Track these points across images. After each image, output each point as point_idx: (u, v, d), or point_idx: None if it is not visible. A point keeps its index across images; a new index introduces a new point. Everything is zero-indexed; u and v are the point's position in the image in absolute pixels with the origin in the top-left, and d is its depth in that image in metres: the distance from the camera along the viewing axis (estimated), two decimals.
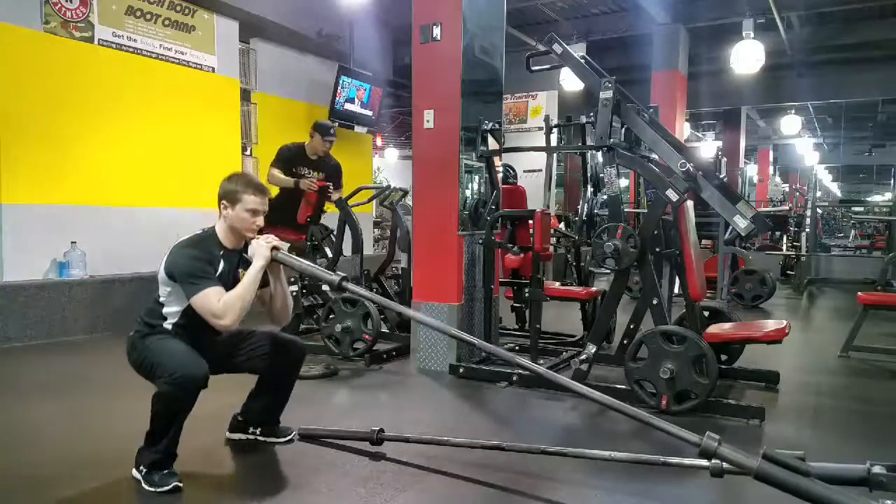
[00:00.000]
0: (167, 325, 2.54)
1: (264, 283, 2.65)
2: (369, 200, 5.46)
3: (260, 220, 2.61)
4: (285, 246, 2.67)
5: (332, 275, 2.67)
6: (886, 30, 9.09)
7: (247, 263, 2.59)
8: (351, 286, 2.66)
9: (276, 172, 4.98)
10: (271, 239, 2.61)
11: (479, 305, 4.47)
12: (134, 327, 2.58)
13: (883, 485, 1.84)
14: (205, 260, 2.50)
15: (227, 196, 2.57)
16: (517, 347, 4.80)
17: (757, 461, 1.87)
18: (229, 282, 2.54)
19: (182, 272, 2.45)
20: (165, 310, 2.54)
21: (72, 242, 5.42)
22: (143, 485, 2.37)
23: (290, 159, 5.02)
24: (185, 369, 2.33)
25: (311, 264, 2.80)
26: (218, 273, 2.53)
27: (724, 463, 2.06)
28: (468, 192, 4.49)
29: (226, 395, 2.86)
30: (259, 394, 2.85)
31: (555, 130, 6.21)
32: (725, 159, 9.78)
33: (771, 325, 3.73)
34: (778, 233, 11.24)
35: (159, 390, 2.34)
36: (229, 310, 2.42)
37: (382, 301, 2.96)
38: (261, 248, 2.56)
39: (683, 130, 10.30)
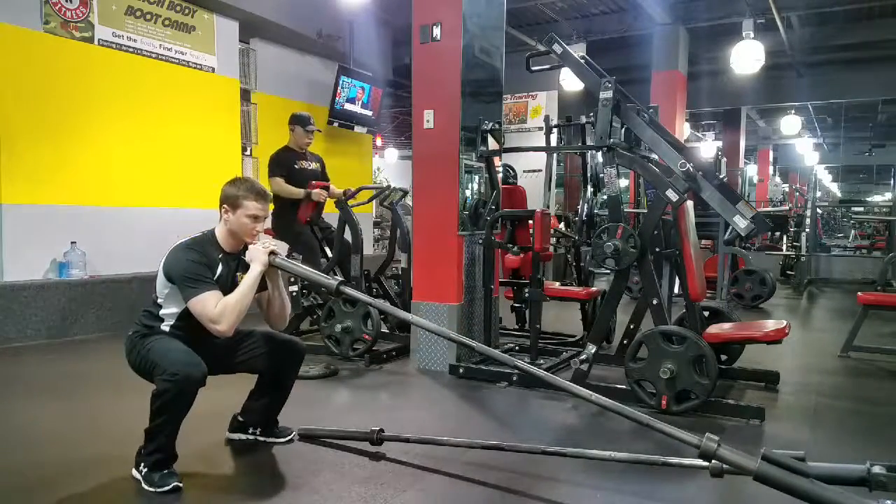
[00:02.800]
0: (164, 326, 2.54)
1: (262, 287, 2.65)
2: (369, 200, 5.46)
3: (260, 226, 2.61)
4: (284, 250, 2.67)
5: (329, 279, 2.66)
6: (886, 30, 9.10)
7: (246, 267, 2.59)
8: (349, 290, 2.65)
9: (281, 182, 4.88)
10: (269, 243, 2.61)
11: (479, 305, 4.47)
12: (132, 328, 2.58)
13: (883, 485, 1.84)
14: (203, 263, 2.50)
15: (229, 200, 2.56)
16: (517, 347, 4.80)
17: (756, 462, 1.87)
18: (227, 286, 2.54)
19: (180, 274, 2.45)
20: (163, 311, 2.54)
21: (72, 242, 5.42)
22: (143, 485, 2.37)
23: (285, 162, 4.96)
24: (183, 368, 2.33)
25: (309, 269, 2.80)
26: (216, 276, 2.53)
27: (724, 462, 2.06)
28: (468, 192, 4.49)
29: (226, 395, 2.86)
30: (258, 394, 2.85)
31: (555, 130, 6.22)
32: (725, 159, 9.78)
33: (771, 325, 3.73)
34: (778, 233, 11.24)
35: (157, 389, 2.34)
36: (226, 315, 2.42)
37: (380, 305, 2.96)
38: (258, 253, 2.56)
39: (683, 130, 10.30)
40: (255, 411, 2.87)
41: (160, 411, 2.34)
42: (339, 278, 2.72)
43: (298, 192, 4.86)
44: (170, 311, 2.53)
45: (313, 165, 5.15)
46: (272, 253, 2.58)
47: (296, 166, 5.00)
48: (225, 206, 2.58)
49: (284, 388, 2.86)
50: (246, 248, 2.64)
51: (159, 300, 2.55)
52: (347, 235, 4.99)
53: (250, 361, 2.75)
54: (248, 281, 2.52)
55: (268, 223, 4.95)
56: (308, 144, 5.13)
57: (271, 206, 4.72)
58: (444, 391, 3.93)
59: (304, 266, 2.81)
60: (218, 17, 6.74)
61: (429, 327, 2.76)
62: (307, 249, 4.97)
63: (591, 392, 2.30)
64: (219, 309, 2.42)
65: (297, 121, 5.08)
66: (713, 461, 2.09)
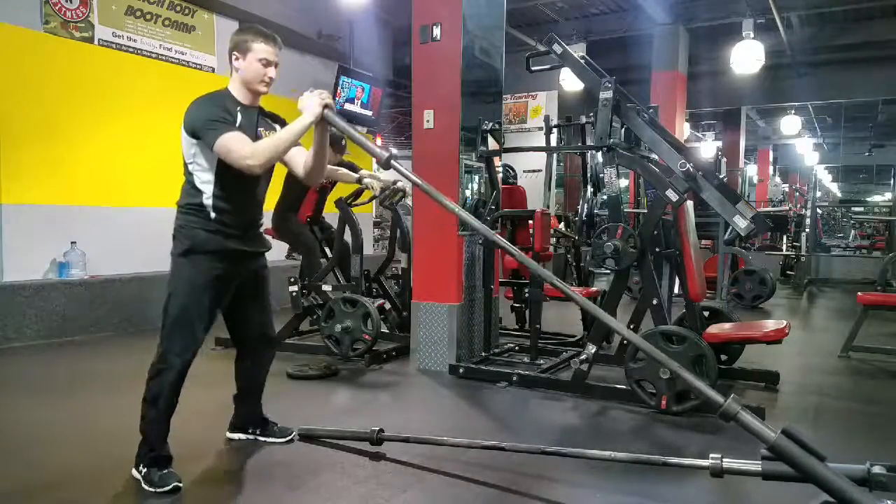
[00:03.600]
0: (206, 199, 2.44)
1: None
2: (370, 200, 5.43)
3: (272, 72, 2.50)
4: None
5: (381, 150, 2.44)
6: (886, 30, 9.10)
7: (265, 123, 2.55)
8: (396, 166, 2.44)
9: (331, 167, 4.66)
10: (325, 95, 2.45)
11: (479, 305, 4.47)
12: (176, 215, 2.50)
13: (883, 485, 1.84)
14: (222, 108, 2.41)
15: (238, 46, 2.47)
16: (517, 347, 4.81)
17: (775, 435, 1.85)
18: (251, 137, 2.42)
19: (201, 121, 2.35)
20: (199, 181, 2.44)
21: (72, 242, 5.42)
22: (143, 485, 2.38)
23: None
24: (172, 355, 2.40)
25: (360, 133, 2.61)
26: (237, 125, 2.41)
27: (724, 461, 2.06)
28: (468, 192, 4.49)
29: (226, 394, 2.87)
30: (239, 395, 2.89)
31: (555, 130, 6.22)
32: (725, 159, 9.78)
33: (771, 325, 3.73)
34: (778, 233, 11.24)
35: (152, 370, 2.44)
36: (260, 151, 2.32)
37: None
38: (312, 104, 2.40)
39: (683, 130, 10.30)
40: (242, 413, 2.89)
41: (153, 386, 2.42)
42: (392, 150, 2.56)
43: (352, 176, 4.73)
44: (205, 176, 2.44)
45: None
46: (327, 106, 2.43)
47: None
48: (235, 53, 2.47)
49: (257, 387, 2.87)
50: (262, 110, 2.57)
51: (190, 167, 2.45)
52: (347, 236, 4.98)
53: (246, 323, 2.74)
54: (296, 128, 2.39)
55: (268, 223, 5.02)
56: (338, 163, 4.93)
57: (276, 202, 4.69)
58: (444, 391, 3.93)
59: (357, 129, 2.60)
60: (218, 17, 6.75)
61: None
62: (307, 249, 4.97)
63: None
64: (251, 147, 2.32)
65: (331, 143, 4.92)
66: (712, 460, 2.09)
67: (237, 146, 2.31)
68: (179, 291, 2.45)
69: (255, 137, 2.44)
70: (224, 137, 2.31)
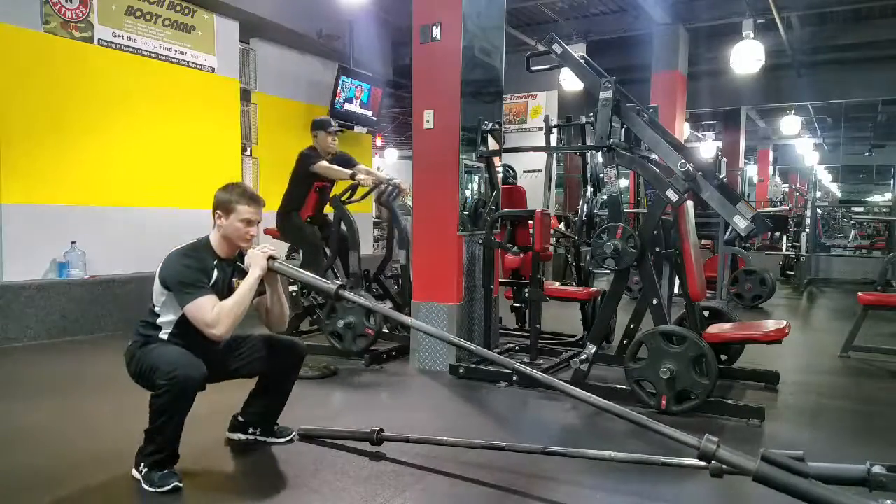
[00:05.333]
0: (163, 334, 2.53)
1: (260, 291, 2.66)
2: (364, 197, 5.38)
3: (253, 230, 2.61)
4: (282, 254, 2.67)
5: (328, 284, 2.67)
6: (886, 30, 9.10)
7: (242, 273, 2.60)
8: (348, 295, 2.66)
9: (325, 164, 4.77)
10: (268, 248, 2.61)
11: (479, 305, 4.47)
12: (131, 339, 2.58)
13: (883, 485, 1.84)
14: (199, 269, 2.49)
15: (222, 206, 2.56)
16: (517, 347, 4.81)
17: (756, 463, 1.87)
18: (223, 291, 2.54)
19: (176, 281, 2.45)
20: (160, 319, 2.53)
21: (72, 242, 5.42)
22: (143, 485, 2.37)
23: (317, 157, 4.85)
24: (182, 370, 2.33)
25: (308, 273, 2.80)
26: (212, 282, 2.52)
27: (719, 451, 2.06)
28: (468, 192, 4.49)
29: (226, 395, 2.86)
30: (259, 395, 2.85)
31: (555, 130, 6.22)
32: (725, 159, 9.78)
33: (771, 325, 3.73)
34: (778, 233, 11.24)
35: (157, 391, 2.34)
36: (223, 320, 2.42)
37: (380, 308, 2.97)
38: (257, 258, 2.56)
39: (683, 130, 10.30)
40: (255, 412, 2.87)
41: (160, 413, 2.34)
42: (339, 282, 2.72)
43: (345, 173, 4.74)
44: (167, 318, 2.52)
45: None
46: (271, 258, 2.58)
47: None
48: (218, 211, 2.58)
49: (285, 389, 2.86)
50: (241, 254, 2.64)
51: (156, 308, 2.54)
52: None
53: (251, 366, 2.75)
54: (246, 285, 2.52)
55: (269, 223, 5.03)
56: (334, 148, 4.98)
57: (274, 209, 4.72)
58: (444, 391, 3.93)
59: (302, 270, 2.81)
60: (218, 17, 6.74)
61: (427, 330, 2.76)
62: (310, 247, 4.95)
63: (588, 394, 2.31)
64: (215, 313, 2.42)
65: (319, 126, 4.95)
66: (713, 462, 2.09)
67: (204, 314, 2.41)
68: (153, 354, 2.45)
69: (229, 289, 2.57)
70: (194, 303, 2.42)
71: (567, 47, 4.05)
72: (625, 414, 2.18)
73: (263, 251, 2.58)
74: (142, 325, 2.57)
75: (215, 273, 2.55)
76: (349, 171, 4.77)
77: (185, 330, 2.50)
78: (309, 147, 4.99)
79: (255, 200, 2.60)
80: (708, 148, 12.97)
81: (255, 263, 2.55)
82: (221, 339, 2.48)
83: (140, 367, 2.47)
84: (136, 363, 2.49)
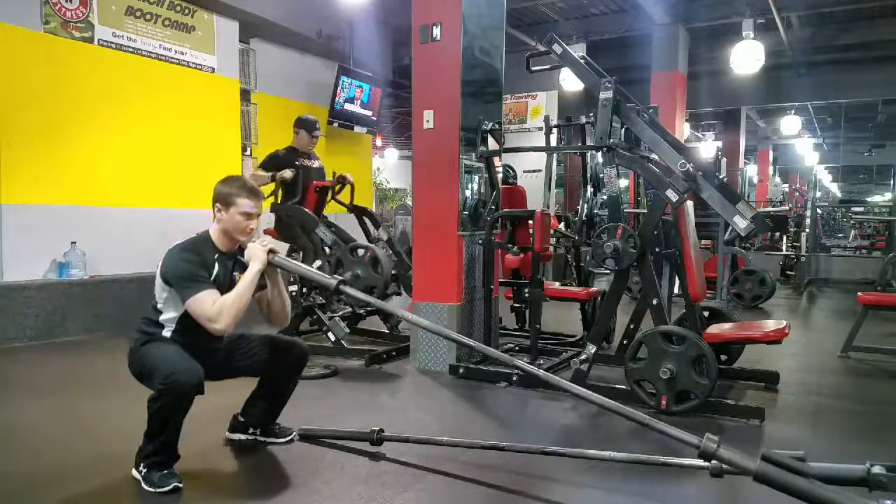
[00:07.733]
0: (165, 332, 2.53)
1: (261, 286, 2.65)
2: (334, 196, 5.33)
3: (253, 224, 2.61)
4: (283, 249, 2.67)
5: (328, 278, 2.67)
6: (886, 30, 9.09)
7: (243, 267, 2.59)
8: (349, 290, 2.66)
9: (259, 171, 4.96)
10: (268, 242, 2.61)
11: (479, 305, 4.47)
12: (134, 336, 2.57)
13: (883, 485, 1.84)
14: (199, 264, 2.49)
15: (221, 199, 2.56)
16: (517, 347, 4.81)
17: (756, 462, 1.87)
18: (225, 285, 2.54)
19: (176, 276, 2.45)
20: (162, 317, 2.53)
21: (72, 242, 5.42)
22: (143, 485, 2.37)
23: (284, 163, 4.90)
24: (179, 374, 2.31)
25: (308, 267, 2.81)
26: (213, 277, 2.52)
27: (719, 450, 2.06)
28: (468, 192, 4.49)
29: (226, 395, 2.86)
30: (259, 395, 2.85)
31: (555, 130, 6.21)
32: (725, 159, 9.78)
33: (771, 325, 3.73)
34: (778, 233, 11.24)
35: (154, 393, 2.34)
36: (224, 314, 2.42)
37: (379, 304, 2.97)
38: (257, 252, 2.55)
39: (683, 130, 10.29)
40: (255, 412, 2.87)
41: (157, 415, 2.34)
42: (339, 277, 2.72)
43: (265, 176, 4.87)
44: (169, 315, 2.52)
45: (317, 164, 5.19)
46: (271, 251, 2.58)
47: (297, 163, 4.98)
48: (218, 204, 2.58)
49: (286, 391, 2.86)
50: (241, 249, 2.64)
51: (158, 305, 2.54)
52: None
53: (253, 365, 2.75)
54: (247, 279, 2.51)
55: (269, 223, 5.02)
56: (312, 149, 5.15)
57: (267, 204, 4.72)
58: (444, 391, 3.93)
59: (303, 265, 2.81)
60: (218, 17, 6.74)
61: (425, 325, 2.75)
62: (304, 228, 4.91)
63: (589, 391, 2.30)
64: (216, 307, 2.42)
65: (303, 125, 5.08)
66: (713, 461, 2.09)
67: (205, 308, 2.41)
68: (153, 353, 2.45)
69: (231, 283, 2.56)
70: (195, 298, 2.42)
71: (567, 47, 4.05)
72: (626, 412, 2.18)
73: (263, 245, 2.58)
74: (144, 322, 2.57)
75: (216, 267, 2.55)
76: (269, 175, 4.87)
77: (188, 327, 2.50)
78: (288, 147, 5.07)
79: (254, 193, 2.59)
80: (708, 148, 12.95)
81: (255, 257, 2.55)
82: (223, 333, 2.48)
83: (140, 367, 2.48)
84: (137, 363, 2.49)
